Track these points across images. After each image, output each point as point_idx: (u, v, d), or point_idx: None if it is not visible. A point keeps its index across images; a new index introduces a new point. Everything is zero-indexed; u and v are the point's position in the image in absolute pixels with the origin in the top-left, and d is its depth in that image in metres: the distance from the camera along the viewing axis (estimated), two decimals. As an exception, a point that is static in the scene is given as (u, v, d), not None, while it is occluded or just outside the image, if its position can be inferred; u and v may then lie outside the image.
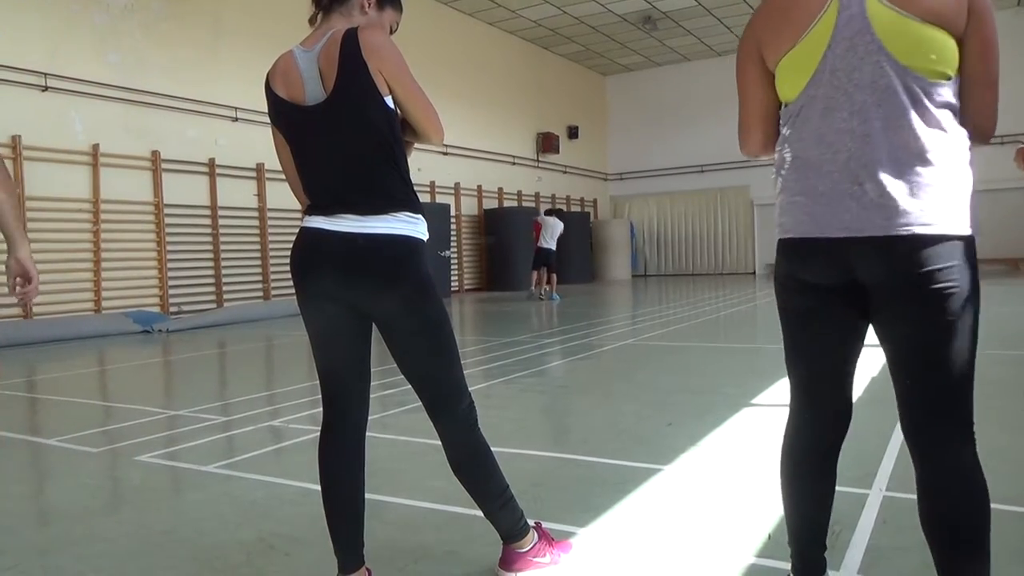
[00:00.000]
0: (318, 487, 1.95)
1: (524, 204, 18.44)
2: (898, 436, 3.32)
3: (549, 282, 13.27)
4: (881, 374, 4.86)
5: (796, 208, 1.54)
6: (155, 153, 10.55)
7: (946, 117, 1.45)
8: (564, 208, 20.12)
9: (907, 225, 1.40)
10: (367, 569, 1.96)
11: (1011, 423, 3.58)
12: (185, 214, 10.95)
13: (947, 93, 1.45)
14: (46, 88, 9.38)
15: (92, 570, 2.21)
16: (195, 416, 4.32)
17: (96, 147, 9.85)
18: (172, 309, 10.65)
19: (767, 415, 3.91)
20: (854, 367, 1.64)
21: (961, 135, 1.47)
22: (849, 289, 1.51)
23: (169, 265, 10.71)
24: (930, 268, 1.39)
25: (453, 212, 15.93)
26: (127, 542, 2.42)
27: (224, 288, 11.46)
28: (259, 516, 2.62)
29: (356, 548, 1.94)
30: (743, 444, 3.35)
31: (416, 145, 1.96)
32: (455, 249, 16.02)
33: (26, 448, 3.84)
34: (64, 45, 9.60)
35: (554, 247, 13.02)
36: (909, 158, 1.42)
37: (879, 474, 2.78)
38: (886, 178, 1.42)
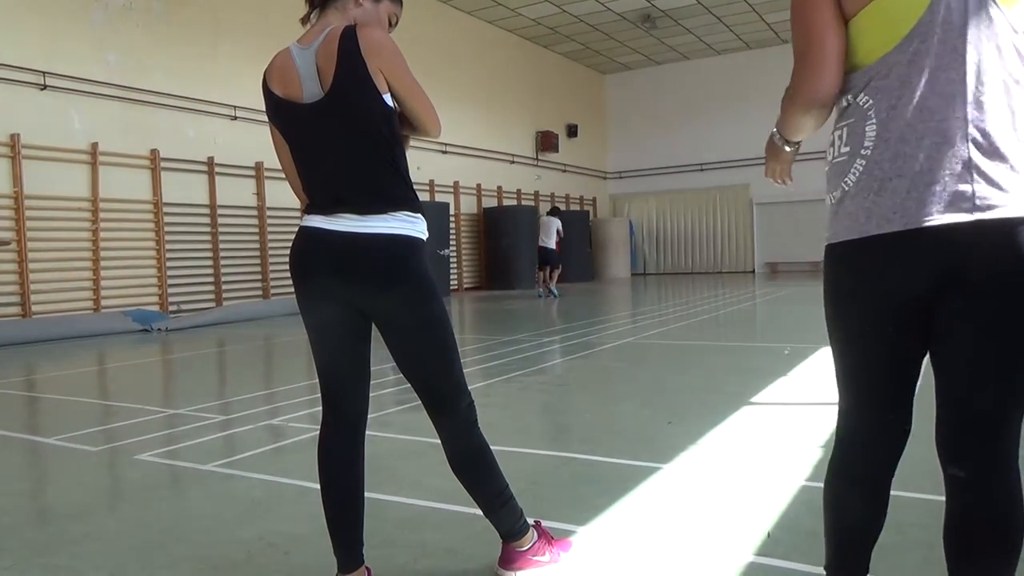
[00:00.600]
0: (317, 485, 1.95)
1: (523, 203, 18.44)
2: (897, 434, 3.31)
3: (550, 278, 13.50)
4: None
5: (891, 194, 1.25)
6: (154, 152, 10.55)
7: None
8: (563, 207, 20.13)
9: (1012, 206, 1.20)
10: (367, 568, 1.96)
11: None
12: (184, 213, 10.95)
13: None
14: (45, 87, 9.38)
15: (91, 569, 2.20)
16: (194, 415, 4.32)
17: (95, 146, 9.85)
18: (171, 308, 10.65)
19: (767, 413, 3.91)
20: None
21: None
22: (937, 292, 1.28)
23: (168, 264, 10.71)
24: None
25: (452, 211, 15.93)
26: (126, 541, 2.42)
27: (223, 287, 11.46)
28: (259, 515, 2.62)
29: (356, 547, 1.93)
30: (743, 443, 3.35)
31: (412, 140, 1.96)
32: (454, 248, 16.02)
33: (25, 447, 3.83)
34: (63, 44, 9.59)
35: (551, 245, 13.24)
36: (1015, 129, 1.23)
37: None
38: (1009, 153, 1.22)
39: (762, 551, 2.15)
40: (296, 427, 3.94)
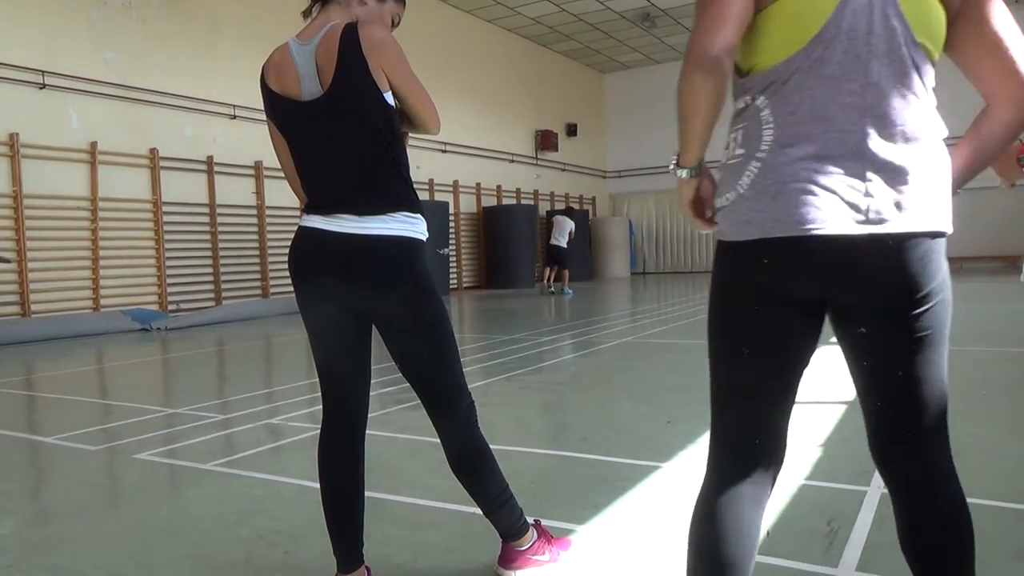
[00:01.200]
0: (317, 485, 1.95)
1: (523, 202, 18.44)
2: (896, 433, 3.32)
3: (560, 278, 13.81)
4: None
5: (784, 199, 1.22)
6: (153, 151, 10.54)
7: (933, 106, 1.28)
8: (563, 206, 20.12)
9: (918, 222, 1.21)
10: (366, 567, 1.96)
11: (1008, 421, 3.58)
12: (183, 212, 10.94)
13: (932, 79, 1.28)
14: (43, 86, 9.37)
15: (91, 568, 2.20)
16: (194, 414, 4.32)
17: (94, 145, 9.84)
18: (171, 307, 10.65)
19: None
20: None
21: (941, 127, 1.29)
22: (831, 301, 1.29)
23: (167, 263, 10.70)
24: (933, 270, 1.24)
25: (452, 210, 15.93)
26: (126, 540, 2.42)
27: (223, 286, 11.45)
28: (258, 514, 2.62)
29: (355, 547, 1.93)
30: (742, 441, 3.35)
31: (411, 137, 1.95)
32: (454, 247, 16.02)
33: (24, 446, 3.83)
34: (61, 42, 9.58)
35: (564, 244, 13.56)
36: (917, 145, 1.23)
37: (877, 472, 2.78)
38: (907, 167, 1.21)
39: (761, 550, 2.15)
40: (295, 426, 3.94)
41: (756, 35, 1.26)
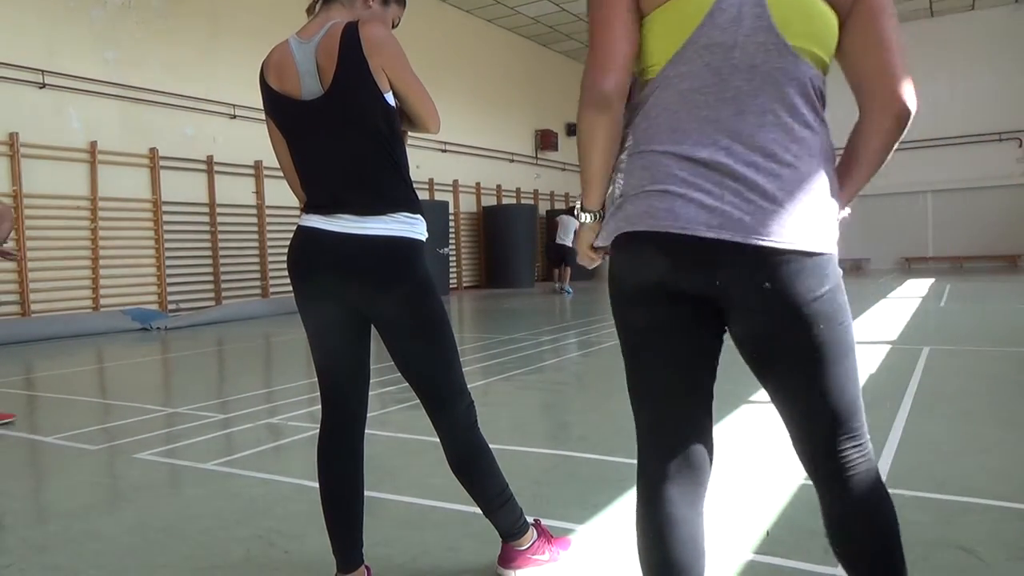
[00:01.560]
0: (316, 484, 1.94)
1: (523, 201, 18.44)
2: (896, 432, 3.32)
3: (563, 277, 14.10)
4: (879, 371, 4.86)
5: (644, 205, 1.25)
6: (153, 150, 10.54)
7: (818, 115, 1.24)
8: (563, 206, 20.13)
9: (770, 236, 1.18)
10: (366, 567, 1.96)
11: (1006, 420, 3.58)
12: (183, 211, 10.94)
13: (822, 86, 1.25)
14: (43, 85, 9.36)
15: (91, 567, 2.20)
16: (194, 413, 4.32)
17: (94, 144, 9.83)
18: (170, 306, 10.65)
19: (765, 412, 3.91)
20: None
21: (828, 136, 1.26)
22: (712, 300, 1.27)
23: (167, 263, 10.70)
24: (803, 289, 1.20)
25: (451, 209, 15.93)
26: (126, 539, 2.42)
27: (222, 285, 11.45)
28: (258, 513, 2.62)
29: (355, 547, 1.93)
30: (741, 441, 3.35)
31: (411, 135, 1.94)
32: (454, 246, 16.02)
33: (24, 445, 3.83)
34: (61, 42, 9.58)
35: (569, 243, 13.75)
36: (780, 162, 1.20)
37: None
38: (765, 184, 1.19)
39: (761, 549, 2.16)
40: (295, 426, 3.94)
41: (648, 37, 1.26)
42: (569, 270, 14.09)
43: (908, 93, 1.22)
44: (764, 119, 1.20)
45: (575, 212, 1.44)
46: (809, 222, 1.20)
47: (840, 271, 1.26)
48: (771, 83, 1.20)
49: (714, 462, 1.41)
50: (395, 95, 1.78)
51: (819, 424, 1.28)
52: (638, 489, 1.40)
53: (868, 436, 1.31)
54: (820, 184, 1.22)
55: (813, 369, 1.24)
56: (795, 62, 1.20)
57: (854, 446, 1.29)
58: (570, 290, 13.93)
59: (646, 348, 1.35)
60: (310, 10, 1.88)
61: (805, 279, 1.20)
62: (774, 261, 1.19)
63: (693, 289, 1.26)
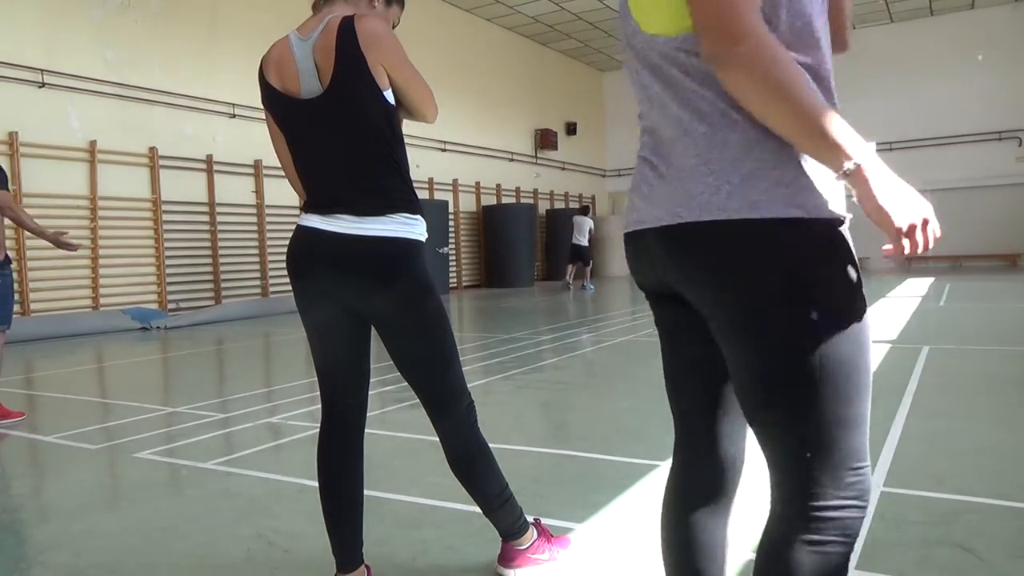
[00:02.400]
0: (316, 483, 1.94)
1: (522, 201, 18.44)
2: (896, 431, 3.32)
3: (581, 275, 14.83)
4: (878, 370, 4.86)
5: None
6: (152, 150, 10.53)
7: (707, 81, 1.10)
8: (562, 205, 20.14)
9: (658, 218, 1.16)
10: (366, 566, 1.96)
11: (1006, 419, 3.58)
12: (183, 211, 10.94)
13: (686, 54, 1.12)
14: (43, 84, 9.36)
15: (91, 567, 2.20)
16: (193, 413, 4.32)
17: (93, 143, 9.83)
18: (170, 306, 10.64)
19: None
20: None
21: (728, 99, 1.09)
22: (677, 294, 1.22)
23: (167, 262, 10.70)
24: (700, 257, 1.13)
25: (451, 209, 15.93)
26: (126, 539, 2.42)
27: (222, 285, 11.45)
28: (258, 512, 2.62)
29: (355, 547, 1.93)
30: (741, 440, 3.35)
31: (410, 133, 1.93)
32: (453, 246, 16.02)
33: (24, 445, 3.83)
34: (61, 41, 9.57)
35: (584, 242, 14.47)
36: (672, 141, 1.15)
37: (877, 470, 2.79)
38: (656, 166, 1.18)
39: (761, 549, 2.15)
40: (295, 425, 3.94)
41: None
42: (588, 268, 14.73)
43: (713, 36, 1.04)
44: (662, 112, 1.18)
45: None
46: (695, 192, 1.11)
47: (785, 238, 1.06)
48: (658, 73, 1.17)
49: (742, 473, 1.36)
50: (393, 88, 1.77)
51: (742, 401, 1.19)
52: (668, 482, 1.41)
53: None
54: (716, 151, 1.10)
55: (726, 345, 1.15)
56: (661, 48, 1.14)
57: None
58: (591, 286, 14.58)
59: (662, 350, 1.34)
60: (315, 6, 1.87)
61: (703, 251, 1.11)
62: (673, 239, 1.13)
63: (654, 287, 1.28)
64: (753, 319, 1.08)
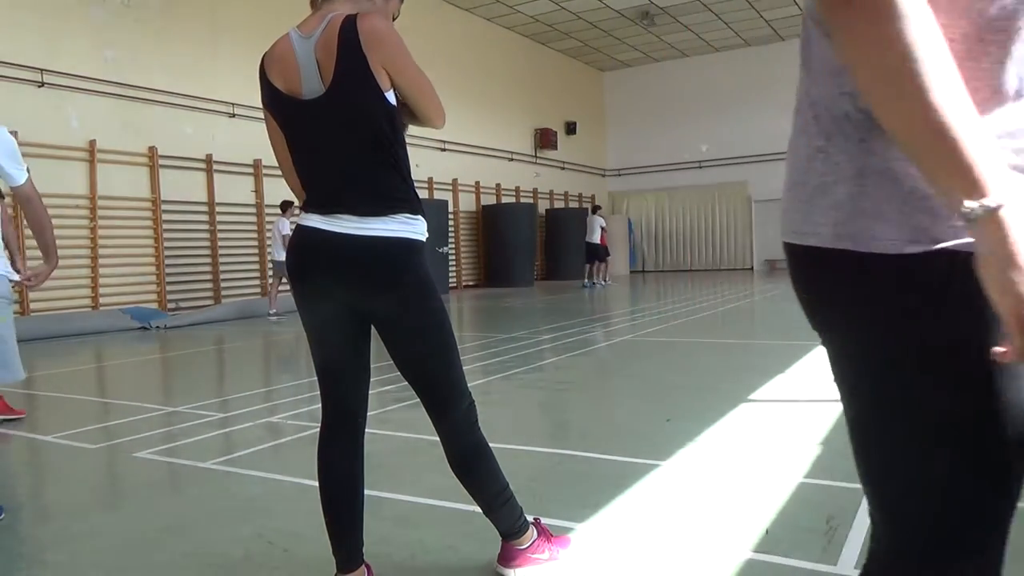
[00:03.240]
0: (316, 483, 1.94)
1: (522, 200, 18.44)
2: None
3: (599, 271, 15.42)
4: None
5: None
6: (152, 149, 10.53)
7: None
8: (562, 204, 20.15)
9: None
10: (366, 565, 1.95)
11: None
12: (182, 210, 10.94)
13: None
14: (42, 84, 9.36)
15: (91, 566, 2.21)
16: (193, 412, 4.32)
17: (93, 143, 9.83)
18: (170, 305, 10.64)
19: (765, 411, 3.91)
20: None
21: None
22: None
23: (167, 261, 10.70)
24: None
25: (451, 208, 15.93)
26: (125, 538, 2.42)
27: (222, 284, 11.45)
28: (257, 512, 2.62)
29: (355, 547, 1.93)
30: (741, 440, 3.35)
31: (411, 135, 1.92)
32: (453, 245, 16.02)
33: (24, 444, 3.83)
34: (60, 41, 9.57)
35: (596, 240, 15.04)
36: None
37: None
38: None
39: (760, 548, 2.16)
40: (295, 424, 3.94)
41: None
42: (603, 264, 15.35)
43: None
44: None
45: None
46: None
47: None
48: None
49: None
50: (397, 91, 1.76)
51: None
52: None
53: None
54: None
55: None
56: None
57: None
58: (602, 283, 15.19)
59: None
60: (314, 3, 1.85)
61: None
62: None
63: None
64: None
